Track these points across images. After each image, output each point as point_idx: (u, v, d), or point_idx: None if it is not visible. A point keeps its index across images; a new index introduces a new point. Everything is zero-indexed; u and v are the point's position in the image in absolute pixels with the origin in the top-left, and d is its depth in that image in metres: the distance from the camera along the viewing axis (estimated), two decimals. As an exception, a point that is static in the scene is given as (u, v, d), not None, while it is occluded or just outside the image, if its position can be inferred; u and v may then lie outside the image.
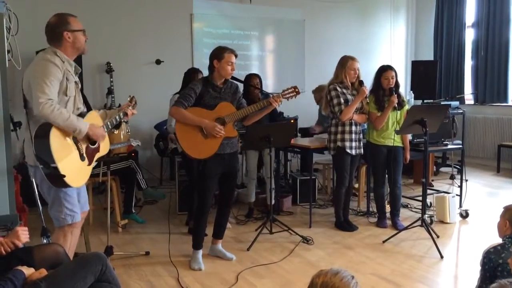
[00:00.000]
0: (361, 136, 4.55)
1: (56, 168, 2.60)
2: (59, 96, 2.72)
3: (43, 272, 2.20)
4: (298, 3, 7.95)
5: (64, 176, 2.62)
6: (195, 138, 3.54)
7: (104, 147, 3.03)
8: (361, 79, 4.43)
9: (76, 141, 2.77)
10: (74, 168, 2.74)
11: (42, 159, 2.62)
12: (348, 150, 4.41)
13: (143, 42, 6.86)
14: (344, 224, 4.60)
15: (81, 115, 2.87)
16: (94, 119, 2.94)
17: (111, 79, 6.37)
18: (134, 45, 6.77)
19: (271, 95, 3.80)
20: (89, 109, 3.01)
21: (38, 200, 3.24)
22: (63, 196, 2.82)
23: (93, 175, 4.07)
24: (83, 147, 2.82)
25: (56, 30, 2.80)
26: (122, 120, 3.25)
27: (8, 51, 3.39)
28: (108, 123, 3.03)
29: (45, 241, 3.12)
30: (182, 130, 3.56)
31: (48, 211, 2.92)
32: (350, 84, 4.42)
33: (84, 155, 2.83)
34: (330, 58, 7.56)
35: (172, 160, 5.87)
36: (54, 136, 2.62)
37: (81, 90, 3.03)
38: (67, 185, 2.72)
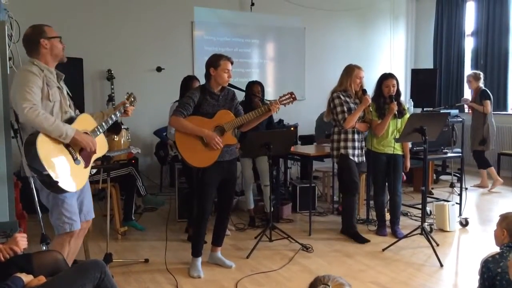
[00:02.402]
0: (363, 144, 4.56)
1: (48, 175, 2.60)
2: (43, 102, 2.74)
3: (42, 279, 2.20)
4: (298, 11, 7.99)
5: (57, 182, 2.63)
6: (195, 146, 3.55)
7: (101, 148, 2.99)
8: (364, 87, 4.45)
9: (67, 146, 2.75)
10: (68, 173, 2.73)
11: (34, 168, 2.62)
12: (351, 157, 4.42)
13: (144, 50, 6.89)
14: (357, 235, 4.49)
15: (71, 119, 2.86)
16: (85, 121, 2.91)
17: (112, 86, 6.39)
18: (135, 53, 6.80)
19: (268, 102, 3.82)
20: (81, 112, 3.00)
21: (38, 207, 3.23)
22: (61, 204, 2.81)
23: (93, 182, 4.09)
24: (77, 150, 2.80)
25: (33, 39, 2.82)
26: (118, 118, 3.17)
27: (10, 58, 3.41)
28: (103, 124, 3.00)
29: (44, 248, 3.11)
30: (182, 138, 3.57)
31: (49, 218, 2.92)
32: (354, 93, 4.44)
33: (79, 158, 2.81)
34: (330, 65, 7.64)
35: (172, 167, 5.87)
36: (42, 143, 2.61)
37: (72, 95, 3.02)
38: (64, 190, 2.72)
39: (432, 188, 6.49)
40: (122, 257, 4.02)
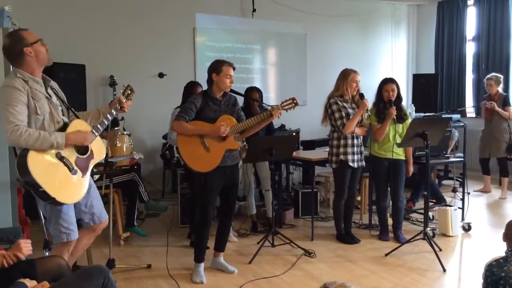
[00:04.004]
0: (362, 148, 4.56)
1: (44, 192, 2.55)
2: (32, 117, 2.64)
3: (46, 285, 2.20)
4: (300, 17, 8.02)
5: (54, 198, 2.58)
6: (197, 151, 3.56)
7: (98, 153, 2.92)
8: (361, 92, 4.46)
9: (61, 158, 2.67)
10: (66, 185, 2.67)
11: (29, 184, 2.58)
12: (351, 163, 4.41)
13: (146, 56, 6.92)
14: (345, 237, 4.59)
15: (65, 126, 2.78)
16: (79, 127, 2.82)
17: (114, 92, 6.42)
18: (137, 59, 6.84)
19: (270, 107, 3.83)
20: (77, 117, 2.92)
21: (41, 213, 3.24)
22: (58, 214, 2.76)
23: (95, 188, 4.11)
24: (72, 160, 2.73)
25: (15, 49, 2.67)
26: (117, 116, 3.10)
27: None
28: (98, 126, 2.90)
29: (47, 253, 3.13)
30: (184, 143, 3.58)
31: (47, 227, 2.90)
32: (350, 97, 4.45)
33: (75, 168, 2.73)
34: (332, 71, 7.58)
35: (175, 172, 5.88)
36: (33, 160, 2.54)
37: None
38: (62, 204, 2.68)
39: (435, 193, 6.48)
40: (125, 263, 4.02)
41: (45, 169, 2.59)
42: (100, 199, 3.05)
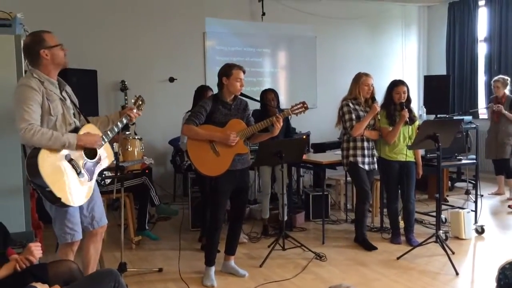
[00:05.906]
0: (374, 151, 4.54)
1: (51, 192, 2.59)
2: (45, 117, 2.69)
3: (57, 288, 2.23)
4: (309, 20, 8.02)
5: (60, 198, 2.62)
6: (206, 155, 3.57)
7: (106, 158, 2.96)
8: (374, 95, 4.45)
9: (70, 160, 2.71)
10: (72, 188, 2.70)
11: (36, 184, 2.62)
12: (361, 165, 4.40)
13: (157, 61, 6.97)
14: (366, 241, 4.52)
15: (76, 129, 2.82)
16: (90, 131, 2.86)
17: (126, 97, 6.47)
18: (148, 64, 6.89)
19: (284, 111, 3.83)
20: (87, 121, 2.96)
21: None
22: (64, 214, 2.79)
23: (107, 192, 4.14)
24: (80, 163, 2.77)
25: (32, 50, 2.73)
26: (129, 124, 3.16)
27: (26, 72, 3.47)
28: (108, 132, 2.95)
29: (59, 257, 3.15)
30: (193, 147, 3.59)
31: (52, 227, 2.92)
32: (363, 100, 4.44)
33: (83, 171, 2.77)
34: (342, 74, 7.62)
35: (186, 176, 5.90)
36: (43, 160, 2.58)
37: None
38: (67, 205, 2.71)
39: (447, 196, 6.43)
40: (136, 267, 4.04)
41: (54, 170, 2.63)
42: (101, 204, 3.09)
